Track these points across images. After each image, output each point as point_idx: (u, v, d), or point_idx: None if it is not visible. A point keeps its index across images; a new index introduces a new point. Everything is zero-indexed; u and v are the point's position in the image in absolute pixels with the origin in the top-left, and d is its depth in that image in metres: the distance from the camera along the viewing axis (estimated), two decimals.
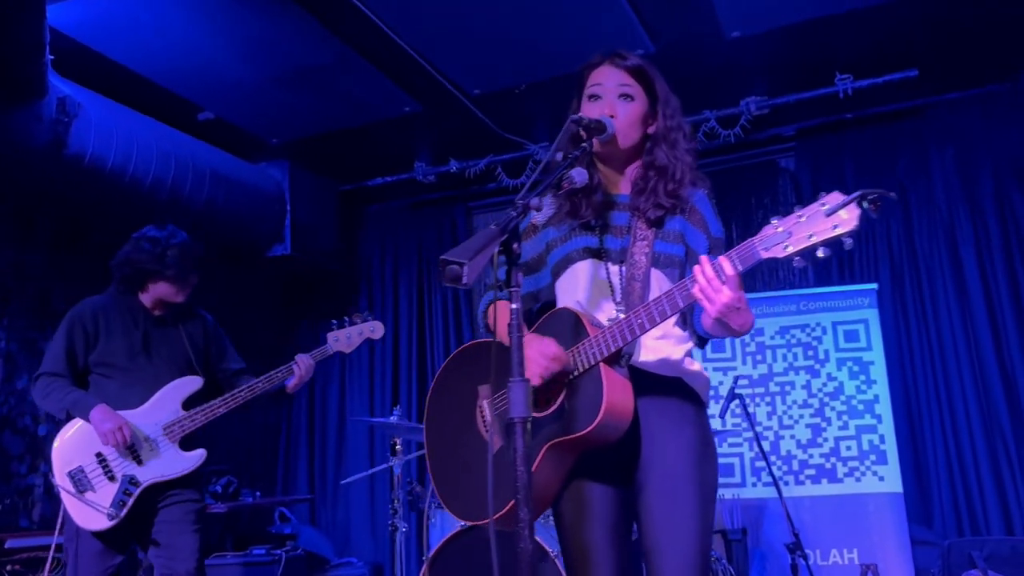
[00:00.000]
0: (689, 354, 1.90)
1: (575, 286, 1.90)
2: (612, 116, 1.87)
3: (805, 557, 3.77)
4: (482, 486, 1.78)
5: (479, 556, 3.35)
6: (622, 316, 1.78)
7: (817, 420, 4.31)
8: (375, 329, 3.33)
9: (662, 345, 1.84)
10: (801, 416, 4.19)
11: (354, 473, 6.18)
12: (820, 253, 1.53)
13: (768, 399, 4.41)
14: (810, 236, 1.53)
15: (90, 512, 2.87)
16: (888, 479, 4.11)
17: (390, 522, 3.94)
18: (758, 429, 4.12)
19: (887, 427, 4.21)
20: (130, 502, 2.89)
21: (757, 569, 4.01)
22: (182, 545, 2.98)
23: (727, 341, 4.64)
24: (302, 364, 3.18)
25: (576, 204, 1.95)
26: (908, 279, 4.90)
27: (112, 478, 2.91)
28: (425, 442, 1.99)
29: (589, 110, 1.92)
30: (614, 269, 1.88)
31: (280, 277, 6.27)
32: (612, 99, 1.90)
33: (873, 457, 4.17)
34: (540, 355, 1.73)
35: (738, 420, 4.17)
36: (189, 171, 4.72)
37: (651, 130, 1.96)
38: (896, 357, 4.64)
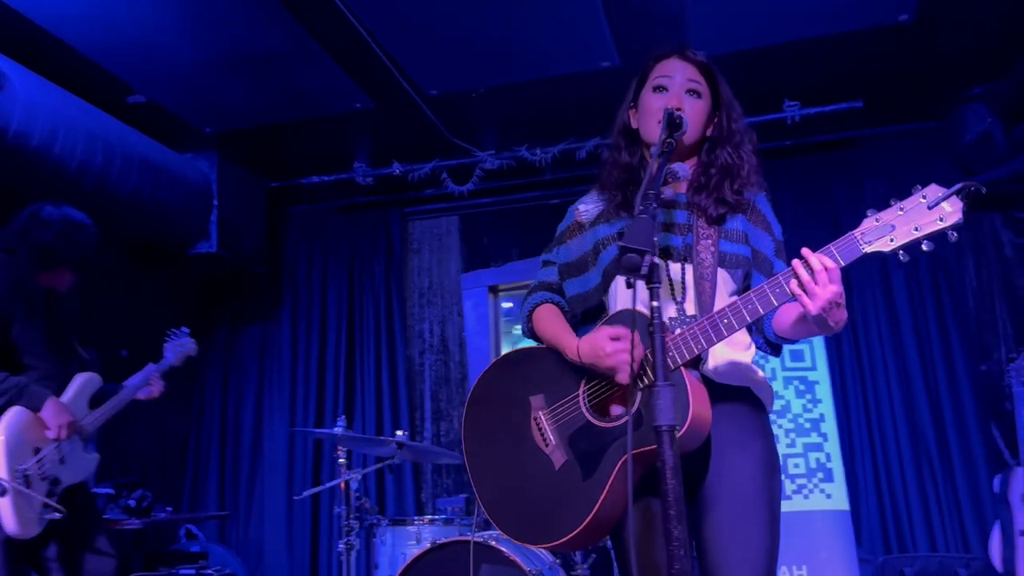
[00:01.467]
0: (754, 361, 1.84)
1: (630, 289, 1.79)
2: (679, 110, 1.80)
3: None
4: (548, 505, 1.65)
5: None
6: (688, 316, 1.70)
7: None
8: (190, 346, 3.36)
9: (731, 352, 1.77)
10: None
11: (271, 489, 5.87)
12: (924, 247, 1.52)
13: None
14: (915, 229, 1.50)
15: (27, 515, 2.57)
16: (835, 496, 4.20)
17: (344, 540, 3.68)
18: None
19: (833, 445, 4.32)
20: (55, 504, 2.64)
21: None
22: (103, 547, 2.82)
23: None
24: (157, 384, 3.16)
25: (618, 202, 1.87)
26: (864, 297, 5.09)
27: (43, 477, 2.65)
28: (466, 458, 1.82)
29: (653, 101, 1.85)
30: (675, 267, 1.79)
31: (200, 277, 5.87)
32: (680, 93, 1.84)
33: (820, 475, 4.26)
34: (605, 350, 1.62)
35: None
36: (117, 157, 4.34)
37: (710, 132, 1.91)
38: (838, 377, 4.79)
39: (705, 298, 1.72)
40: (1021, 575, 4.16)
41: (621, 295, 1.80)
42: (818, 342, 4.58)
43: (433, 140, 5.24)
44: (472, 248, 6.03)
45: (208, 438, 6.02)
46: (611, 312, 1.78)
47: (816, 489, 4.23)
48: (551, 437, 1.71)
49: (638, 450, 1.58)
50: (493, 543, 3.17)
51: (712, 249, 1.77)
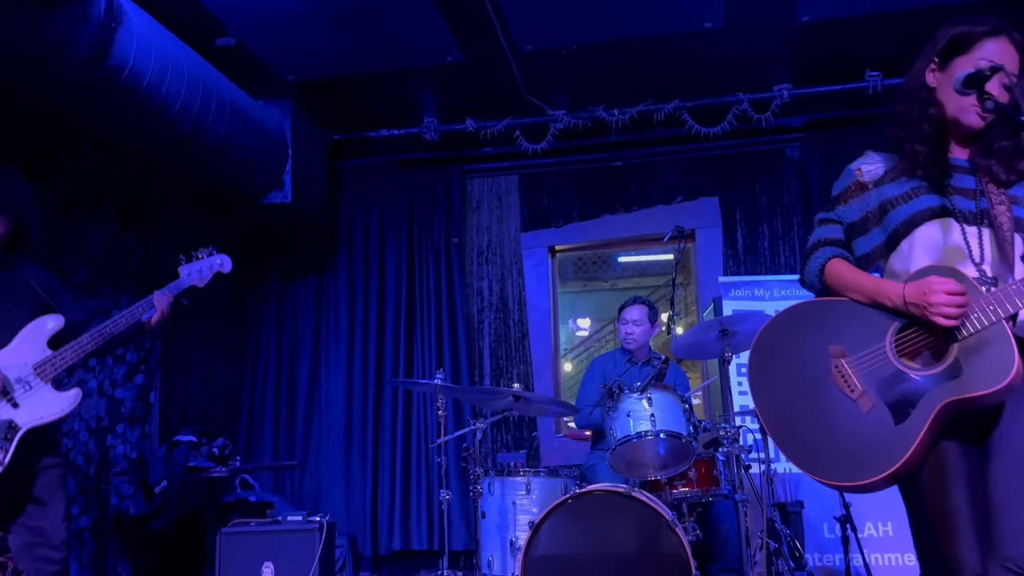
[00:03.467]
0: None
1: (932, 246, 1.82)
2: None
3: (855, 529, 3.92)
4: (856, 447, 1.71)
5: (583, 524, 3.25)
6: (988, 277, 1.74)
7: None
8: (224, 263, 3.18)
9: None
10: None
11: (327, 441, 5.88)
12: None
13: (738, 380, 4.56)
14: None
15: None
16: None
17: (446, 492, 3.72)
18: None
19: None
20: (11, 450, 2.55)
21: (810, 540, 4.14)
22: (53, 514, 2.69)
23: None
24: (162, 300, 2.98)
25: (918, 160, 1.89)
26: None
27: None
28: (758, 404, 1.86)
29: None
30: (971, 231, 1.82)
31: (259, 228, 5.79)
32: (998, 86, 1.84)
33: None
34: (947, 294, 1.66)
35: None
36: (213, 102, 4.25)
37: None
38: None
39: (1008, 260, 1.76)
40: None
41: (920, 252, 1.83)
42: None
43: (508, 97, 5.21)
44: (532, 208, 6.03)
45: (263, 389, 6.00)
46: (899, 271, 1.82)
47: None
48: (856, 384, 1.76)
49: (955, 398, 1.64)
50: (635, 494, 3.23)
51: (1008, 214, 1.80)
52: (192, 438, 4.65)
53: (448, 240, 5.94)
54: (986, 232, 1.81)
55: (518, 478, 3.82)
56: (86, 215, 4.49)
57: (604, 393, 3.55)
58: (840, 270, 1.89)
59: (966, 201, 1.84)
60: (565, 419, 5.75)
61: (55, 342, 2.76)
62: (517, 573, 3.21)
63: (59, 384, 2.78)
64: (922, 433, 1.66)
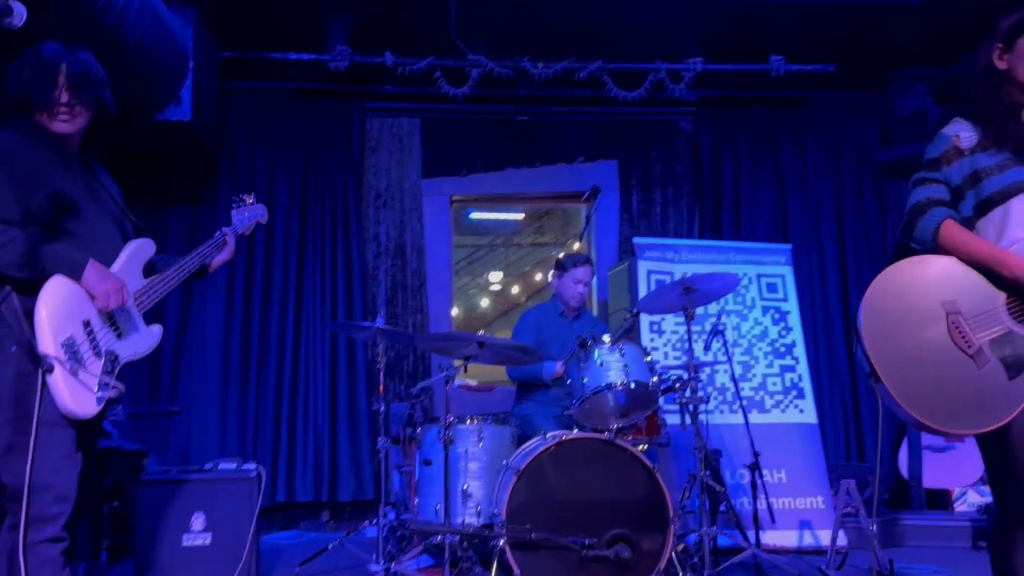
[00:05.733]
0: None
1: (1023, 217, 2.02)
2: None
3: (762, 476, 4.30)
4: (973, 399, 1.89)
5: (566, 471, 3.30)
6: None
7: (747, 358, 4.87)
8: (263, 215, 3.04)
9: None
10: (733, 354, 4.67)
11: (200, 385, 5.43)
12: None
13: (705, 337, 4.86)
14: None
15: (82, 393, 2.18)
16: (806, 412, 4.82)
17: (385, 438, 3.61)
18: (705, 359, 4.54)
19: (803, 368, 4.92)
20: (113, 382, 2.26)
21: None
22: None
23: (668, 280, 4.99)
24: (231, 239, 2.79)
25: (1006, 133, 2.07)
26: (799, 245, 5.70)
27: (98, 353, 2.25)
28: (871, 351, 1.97)
29: None
30: None
31: (150, 147, 5.14)
32: None
33: (794, 393, 4.84)
34: None
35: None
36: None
37: None
38: (807, 309, 5.42)
39: None
40: (926, 483, 5.09)
41: (1015, 220, 2.01)
42: (789, 278, 5.14)
43: (433, 36, 5.03)
44: (435, 154, 5.87)
45: None
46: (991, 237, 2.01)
47: (791, 405, 4.81)
48: (973, 340, 1.93)
49: None
50: (619, 442, 3.32)
51: None
52: None
53: (345, 181, 5.64)
54: None
55: (471, 426, 3.77)
56: None
57: (577, 344, 3.60)
58: (956, 233, 2.04)
59: None
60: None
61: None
62: (502, 519, 3.18)
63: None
64: None
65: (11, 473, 2.10)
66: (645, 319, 4.83)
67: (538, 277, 12.00)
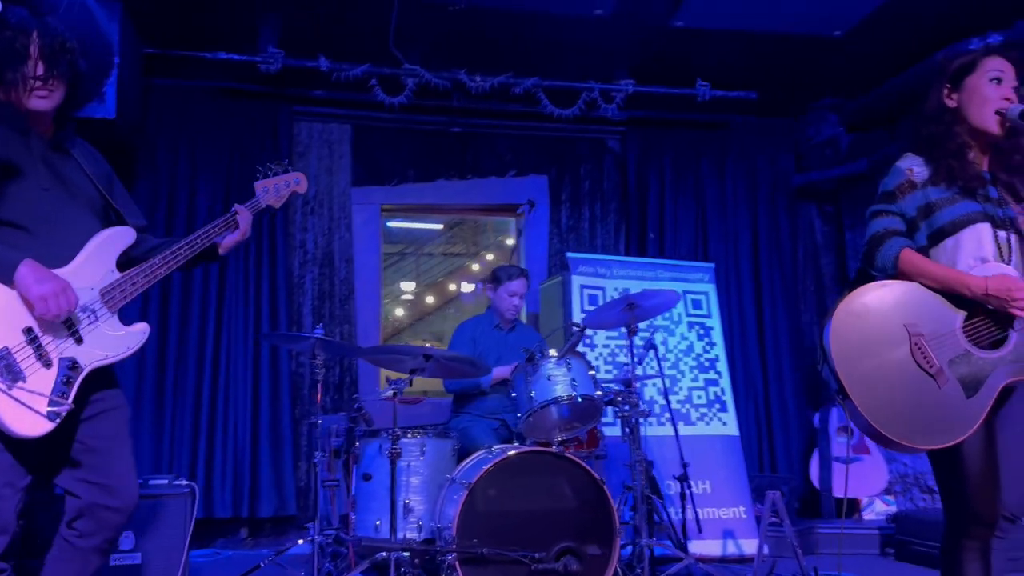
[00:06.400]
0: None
1: (978, 246, 2.16)
2: (1009, 100, 2.21)
3: (691, 487, 4.43)
4: (934, 416, 2.02)
5: (517, 483, 3.31)
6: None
7: (673, 372, 5.01)
8: (300, 181, 2.82)
9: None
10: (653, 367, 4.80)
11: None
12: None
13: (639, 351, 4.98)
14: None
15: (21, 412, 1.93)
16: (728, 424, 5.00)
17: (321, 452, 3.53)
18: (611, 376, 4.65)
19: (726, 382, 5.10)
20: (72, 394, 2.02)
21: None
22: (119, 466, 2.15)
23: (600, 295, 5.09)
24: (245, 218, 2.52)
25: (955, 171, 2.23)
26: (719, 264, 5.91)
27: (48, 363, 2.00)
28: (839, 369, 2.07)
29: (990, 90, 2.21)
30: (1002, 235, 2.19)
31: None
32: (1009, 89, 2.23)
33: (718, 406, 5.01)
34: (1021, 292, 2.01)
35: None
36: None
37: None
38: (727, 326, 5.60)
39: None
40: (836, 492, 5.36)
41: (966, 250, 2.16)
42: (712, 295, 5.33)
43: (369, 43, 4.98)
44: (365, 162, 5.79)
45: None
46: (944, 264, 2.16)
47: (715, 417, 4.98)
48: (935, 360, 2.05)
49: (1018, 378, 2.02)
50: (569, 455, 3.35)
51: None
52: None
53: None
54: (1013, 237, 2.20)
55: (413, 440, 3.73)
56: None
57: (525, 358, 3.62)
58: (916, 260, 2.18)
59: (995, 208, 2.22)
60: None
61: (119, 262, 2.18)
62: (452, 533, 3.16)
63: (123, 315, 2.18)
64: (988, 406, 2.02)
65: None
66: (552, 337, 4.90)
67: (451, 287, 11.99)
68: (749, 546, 4.69)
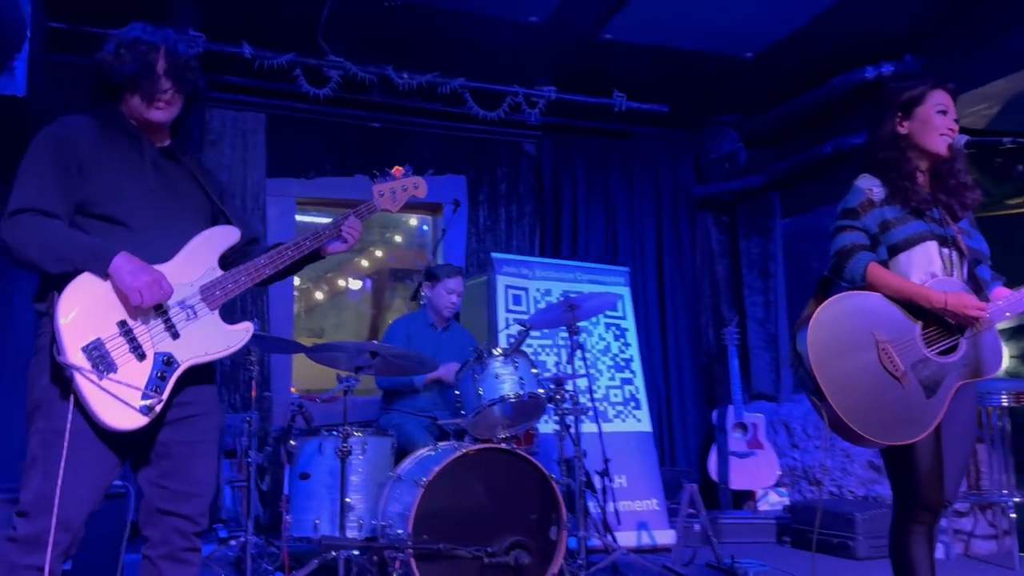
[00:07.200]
0: None
1: (928, 262, 2.41)
2: (953, 131, 2.49)
3: (611, 480, 4.62)
4: (901, 415, 2.26)
5: (469, 480, 3.37)
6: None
7: (592, 371, 5.19)
8: (419, 185, 2.67)
9: None
10: (580, 366, 4.98)
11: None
12: None
13: (555, 350, 5.13)
14: None
15: (112, 403, 1.93)
16: (643, 421, 5.23)
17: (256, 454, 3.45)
18: (546, 374, 4.81)
19: (640, 381, 5.34)
20: (166, 389, 2.01)
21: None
22: (201, 474, 2.15)
23: (523, 295, 5.21)
24: (355, 228, 2.41)
25: (909, 192, 2.47)
26: (633, 267, 6.16)
27: (141, 356, 2.00)
28: (816, 370, 2.27)
29: (939, 121, 2.47)
30: (946, 252, 2.45)
31: None
32: (952, 120, 2.50)
33: (632, 404, 5.24)
34: (978, 304, 2.28)
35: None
36: None
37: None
38: (642, 328, 5.84)
39: (965, 278, 2.44)
40: (732, 485, 5.72)
41: (918, 266, 2.41)
42: (627, 297, 5.57)
43: (296, 33, 4.89)
44: (281, 153, 5.66)
45: None
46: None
47: (630, 415, 5.21)
48: (898, 364, 2.28)
49: (973, 379, 2.28)
50: (521, 451, 3.44)
51: (964, 242, 2.49)
52: None
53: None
54: (955, 254, 2.48)
55: (355, 438, 3.71)
56: None
57: (470, 358, 3.68)
58: (882, 273, 2.41)
59: (940, 228, 2.49)
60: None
61: (225, 262, 2.17)
62: (409, 531, 3.18)
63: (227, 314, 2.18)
64: (945, 406, 2.28)
65: (27, 488, 1.90)
66: (504, 335, 5.00)
67: (340, 282, 11.78)
68: (661, 536, 4.95)
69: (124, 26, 4.63)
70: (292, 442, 3.83)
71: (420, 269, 7.36)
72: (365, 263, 11.50)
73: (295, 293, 11.23)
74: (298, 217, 8.88)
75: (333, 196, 5.89)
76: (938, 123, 2.48)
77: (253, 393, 3.77)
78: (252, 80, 5.29)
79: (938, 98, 2.51)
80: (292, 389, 5.67)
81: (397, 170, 2.63)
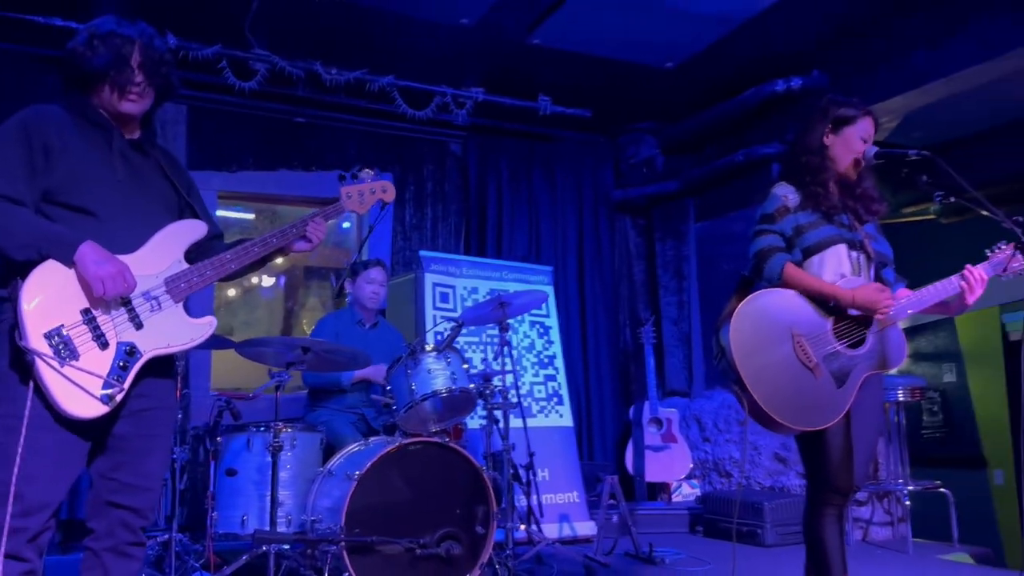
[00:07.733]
0: None
1: (838, 264, 2.61)
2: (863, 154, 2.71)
3: (535, 474, 4.75)
4: (813, 403, 2.44)
5: (402, 473, 3.42)
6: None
7: (517, 367, 5.30)
8: (387, 189, 2.71)
9: None
10: (506, 363, 5.08)
11: None
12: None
13: (482, 347, 5.22)
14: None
15: (73, 391, 1.92)
16: (565, 416, 5.37)
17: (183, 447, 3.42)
18: (475, 371, 4.91)
19: (562, 377, 5.48)
20: (128, 379, 2.01)
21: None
22: (153, 468, 2.13)
23: (450, 293, 5.28)
24: (319, 228, 2.42)
25: (820, 198, 2.67)
26: (556, 267, 6.30)
27: (104, 344, 2.00)
28: (738, 363, 2.43)
29: (858, 145, 2.68)
30: (854, 255, 2.66)
31: None
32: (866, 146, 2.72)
33: (555, 399, 5.37)
34: (885, 298, 2.48)
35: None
36: None
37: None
38: (563, 326, 5.97)
39: (871, 279, 2.66)
40: (648, 477, 5.93)
41: (829, 267, 2.60)
42: (552, 296, 5.70)
43: (222, 25, 4.82)
44: (202, 146, 5.54)
45: None
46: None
47: (553, 410, 5.35)
48: (812, 356, 2.46)
49: (879, 371, 2.48)
50: (454, 445, 3.51)
51: (872, 245, 2.71)
52: None
53: None
54: (862, 256, 2.69)
55: (284, 434, 3.71)
56: None
57: (407, 351, 3.72)
58: (797, 273, 2.59)
59: (849, 233, 2.70)
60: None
61: (187, 257, 2.18)
62: (341, 524, 3.21)
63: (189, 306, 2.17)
64: (854, 395, 2.48)
65: None
66: (432, 333, 5.05)
67: (254, 280, 11.54)
68: (582, 528, 5.11)
69: (44, 12, 4.53)
70: (218, 439, 3.80)
71: (338, 267, 7.35)
72: (279, 260, 11.33)
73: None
74: (219, 212, 8.71)
75: (256, 191, 5.82)
76: (857, 148, 2.69)
77: (178, 393, 3.71)
78: (176, 71, 5.16)
79: (866, 126, 2.72)
80: (211, 388, 5.57)
81: (365, 171, 2.71)
